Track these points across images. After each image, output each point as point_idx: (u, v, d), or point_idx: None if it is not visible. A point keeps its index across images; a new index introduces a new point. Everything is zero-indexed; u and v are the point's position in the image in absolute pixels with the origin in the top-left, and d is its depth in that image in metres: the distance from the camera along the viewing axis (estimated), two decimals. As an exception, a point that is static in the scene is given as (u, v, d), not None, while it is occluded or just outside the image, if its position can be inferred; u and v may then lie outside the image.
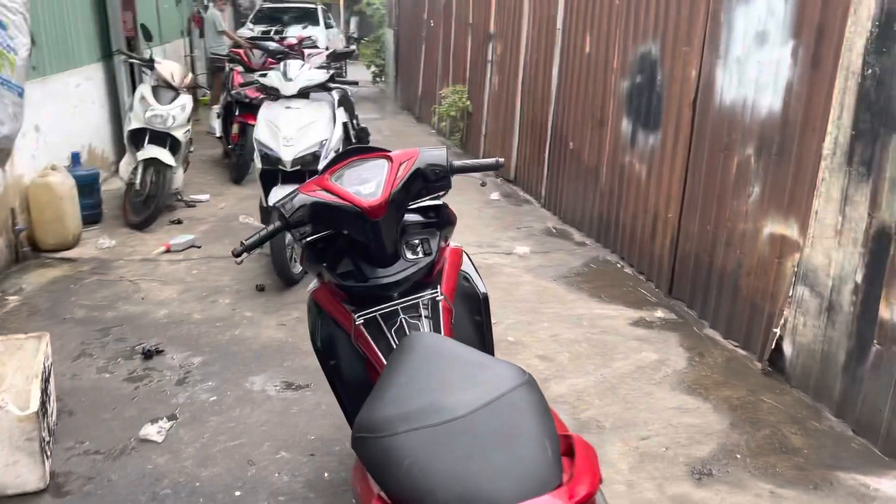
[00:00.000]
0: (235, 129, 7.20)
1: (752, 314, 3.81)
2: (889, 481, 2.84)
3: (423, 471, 1.32)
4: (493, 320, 2.49)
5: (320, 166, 4.74)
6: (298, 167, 4.60)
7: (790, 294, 3.52)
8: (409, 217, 2.32)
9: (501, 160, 2.35)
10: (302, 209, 2.13)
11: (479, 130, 8.41)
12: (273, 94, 4.96)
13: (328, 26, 16.61)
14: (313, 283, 2.46)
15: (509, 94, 7.41)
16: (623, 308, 4.40)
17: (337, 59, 6.15)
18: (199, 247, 5.37)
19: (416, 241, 2.31)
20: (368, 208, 2.09)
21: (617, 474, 2.84)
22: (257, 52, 7.81)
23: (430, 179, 2.20)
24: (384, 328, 2.20)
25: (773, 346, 3.60)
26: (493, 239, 5.61)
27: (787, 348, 3.55)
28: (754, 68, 3.76)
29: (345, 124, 5.50)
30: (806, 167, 3.42)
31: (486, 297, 2.47)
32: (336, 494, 2.70)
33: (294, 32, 12.99)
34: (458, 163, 2.25)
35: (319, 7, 16.83)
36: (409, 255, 2.28)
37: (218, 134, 7.91)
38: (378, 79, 15.06)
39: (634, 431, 3.13)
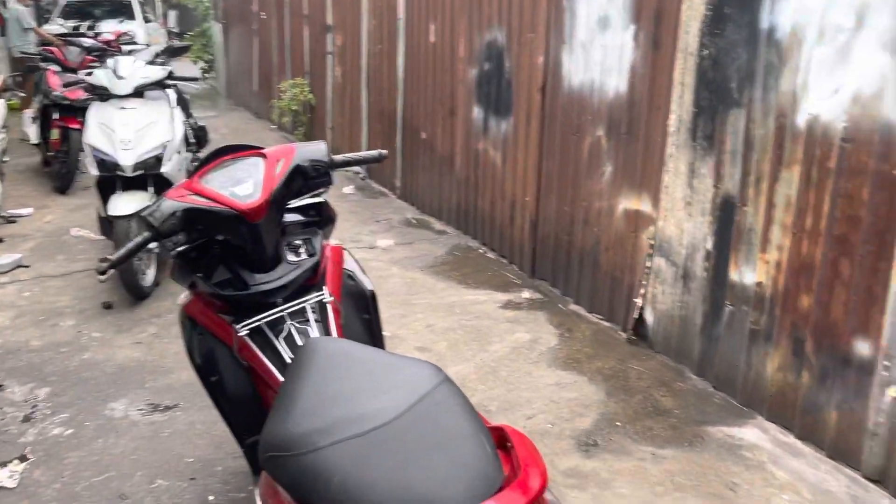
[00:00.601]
0: (55, 134, 6.54)
1: (613, 287, 4.01)
2: (750, 430, 3.09)
3: (358, 485, 1.24)
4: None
5: (164, 169, 4.45)
6: (141, 172, 4.25)
7: (647, 265, 3.73)
8: (289, 217, 2.19)
9: (385, 152, 2.29)
10: (173, 217, 1.94)
11: (325, 124, 8.22)
12: (102, 95, 4.55)
13: (147, 20, 15.55)
14: (184, 296, 2.27)
15: (354, 86, 7.29)
16: (491, 292, 4.47)
17: (173, 54, 5.75)
18: (27, 266, 4.84)
19: (298, 242, 2.19)
20: (248, 210, 1.95)
21: (510, 456, 2.88)
22: (73, 50, 7.13)
23: (310, 176, 2.09)
24: (271, 337, 2.07)
25: (635, 316, 3.80)
26: (353, 234, 5.51)
27: (649, 316, 3.76)
28: (599, 52, 3.93)
29: (184, 125, 5.16)
30: (654, 144, 3.63)
31: (373, 294, 2.39)
32: (226, 518, 2.53)
33: (109, 28, 12.00)
34: (339, 157, 2.15)
35: (135, 0, 15.71)
36: (292, 258, 2.16)
37: (34, 140, 7.17)
38: (207, 75, 14.32)
39: (520, 411, 3.19)
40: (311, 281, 2.18)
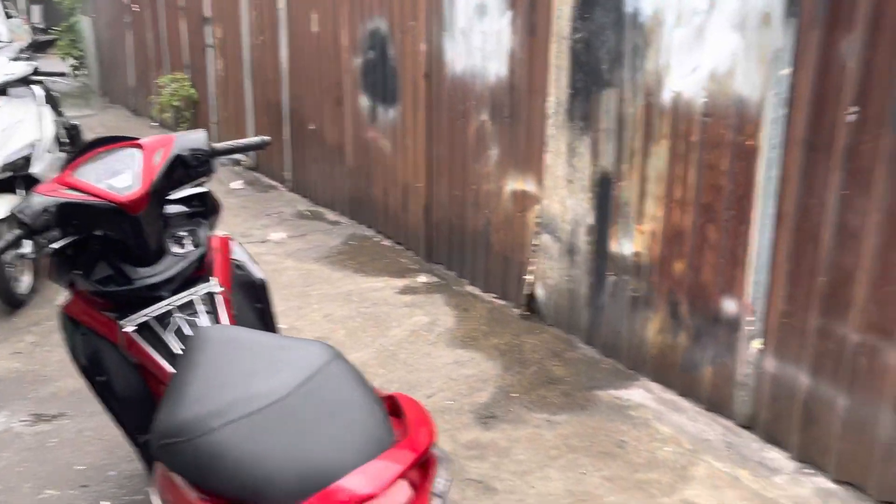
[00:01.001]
0: None
1: (505, 266, 4.14)
2: (635, 391, 3.28)
3: (253, 460, 1.26)
4: None
5: (33, 170, 4.22)
6: (9, 174, 4.02)
7: (535, 243, 3.88)
8: (171, 208, 2.15)
9: (267, 138, 2.28)
10: (45, 213, 1.87)
11: (209, 118, 7.99)
12: (-41, 93, 4.26)
13: (9, 16, 14.52)
14: (63, 297, 2.19)
15: (237, 79, 7.12)
16: (388, 279, 4.52)
17: (38, 50, 5.43)
18: None
19: (183, 234, 2.16)
20: (127, 203, 1.90)
21: (411, 435, 2.94)
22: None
23: (191, 165, 2.06)
24: (159, 331, 2.04)
25: (526, 293, 3.95)
26: (244, 229, 5.41)
27: (539, 292, 3.92)
28: (479, 38, 4.03)
29: (54, 123, 4.91)
30: (535, 126, 3.77)
31: (263, 283, 2.39)
32: (123, 522, 2.46)
33: (-35, 24, 11.16)
34: (220, 145, 2.13)
35: (-8, -7, 14.64)
36: (177, 250, 2.13)
37: None
38: (78, 71, 13.56)
39: (420, 391, 3.25)
40: (198, 272, 2.15)
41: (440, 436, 2.90)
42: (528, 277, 3.93)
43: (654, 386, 3.30)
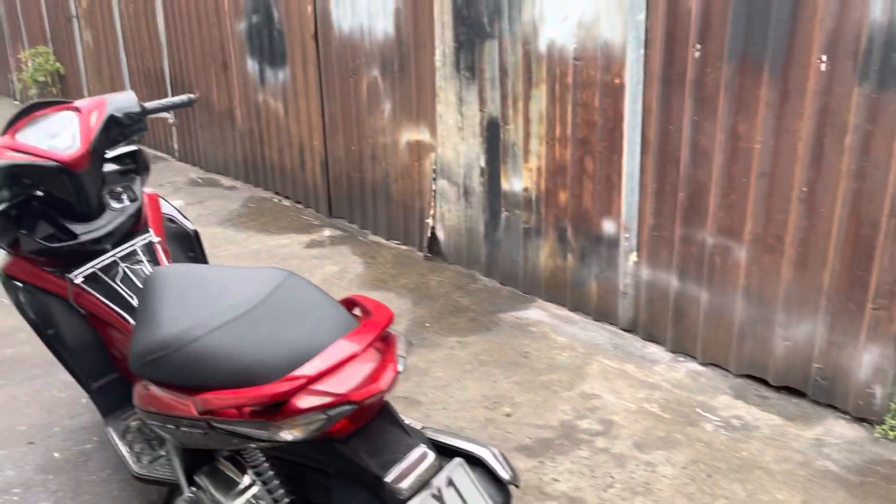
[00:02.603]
0: None
1: (406, 214, 4.43)
2: (533, 311, 3.69)
3: (244, 351, 1.50)
4: None
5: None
6: None
7: (433, 188, 4.19)
8: (107, 167, 2.29)
9: (194, 96, 2.44)
10: (-4, 175, 1.98)
11: (80, 92, 7.72)
12: None
13: None
14: (1, 258, 2.30)
15: (110, 49, 6.94)
16: (294, 235, 4.71)
17: None
18: None
19: (119, 190, 2.30)
20: (70, 161, 2.04)
21: (339, 367, 3.21)
22: None
23: (124, 125, 2.21)
24: (107, 280, 2.20)
25: (428, 235, 4.27)
26: (139, 199, 5.39)
27: (440, 234, 4.24)
28: (364, -2, 4.24)
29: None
30: (425, 79, 4.04)
31: (196, 233, 2.57)
32: (77, 467, 2.60)
33: None
34: (149, 104, 2.28)
35: None
36: (115, 205, 2.28)
37: None
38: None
39: (341, 330, 3.52)
40: (136, 227, 2.32)
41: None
42: (429, 221, 4.25)
43: (549, 305, 3.72)
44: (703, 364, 3.16)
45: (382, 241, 4.59)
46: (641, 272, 3.32)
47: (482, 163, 3.88)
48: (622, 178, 3.27)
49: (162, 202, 2.54)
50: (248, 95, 5.39)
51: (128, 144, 2.32)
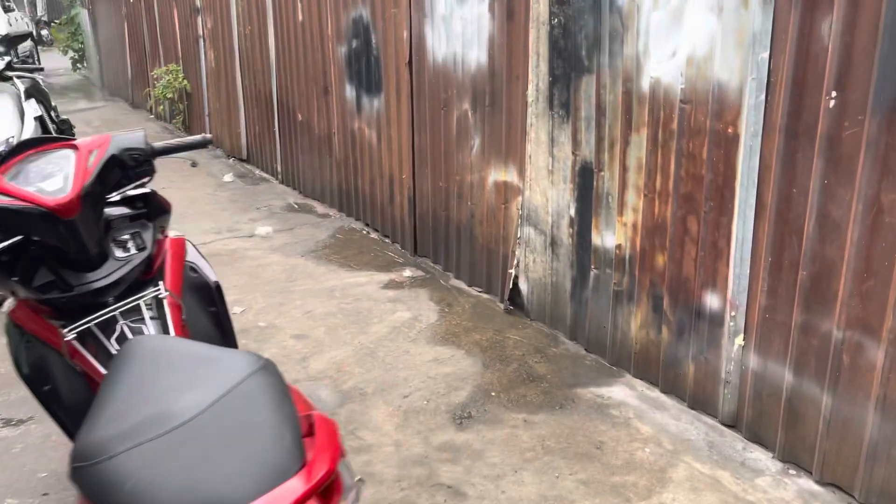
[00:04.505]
0: None
1: (489, 259, 4.04)
2: (618, 388, 3.18)
3: (147, 489, 1.18)
4: (240, 308, 2.35)
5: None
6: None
7: (518, 235, 3.77)
8: (113, 211, 2.07)
9: (209, 136, 2.19)
10: (-28, 219, 1.79)
11: (202, 110, 7.92)
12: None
13: (7, 9, 14.49)
14: (9, 303, 2.12)
15: (228, 70, 7.04)
16: (373, 273, 4.43)
17: (12, 44, 5.37)
18: None
19: (126, 237, 2.07)
20: (57, 207, 1.82)
21: (384, 437, 2.86)
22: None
23: (129, 166, 1.98)
24: (102, 339, 1.96)
25: (510, 286, 3.85)
26: (232, 223, 5.33)
27: (523, 285, 3.81)
28: (459, 24, 3.91)
29: (41, 118, 4.85)
30: (515, 115, 3.65)
31: (218, 286, 2.31)
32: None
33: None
34: (159, 144, 2.04)
35: (-9, -13, 14.60)
36: (120, 253, 2.05)
37: None
38: (79, 65, 13.52)
39: (396, 391, 3.17)
40: (145, 276, 2.07)
41: (414, 438, 2.83)
42: (512, 271, 3.83)
43: (638, 382, 3.20)
44: (820, 484, 2.54)
45: (464, 286, 4.22)
46: (749, 359, 2.74)
47: (572, 212, 3.42)
48: (731, 246, 2.72)
49: (189, 247, 2.30)
50: (346, 122, 5.20)
51: (139, 187, 2.09)
